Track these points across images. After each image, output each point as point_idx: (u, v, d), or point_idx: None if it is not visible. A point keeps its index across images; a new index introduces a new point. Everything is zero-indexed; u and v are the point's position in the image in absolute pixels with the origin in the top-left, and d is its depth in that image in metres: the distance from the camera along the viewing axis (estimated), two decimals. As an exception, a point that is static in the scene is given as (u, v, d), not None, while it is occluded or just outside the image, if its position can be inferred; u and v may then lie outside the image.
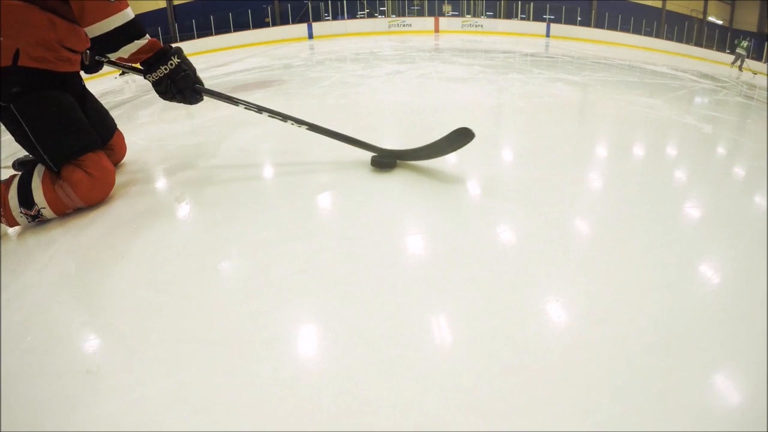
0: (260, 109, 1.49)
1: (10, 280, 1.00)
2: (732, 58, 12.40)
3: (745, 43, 12.11)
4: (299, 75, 4.29)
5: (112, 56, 1.35)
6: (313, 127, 1.50)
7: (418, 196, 1.31)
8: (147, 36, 1.34)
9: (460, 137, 1.37)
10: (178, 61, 1.38)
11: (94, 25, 1.26)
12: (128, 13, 1.30)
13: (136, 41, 1.32)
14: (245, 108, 1.49)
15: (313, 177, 1.50)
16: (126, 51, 1.33)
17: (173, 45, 1.42)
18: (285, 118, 1.49)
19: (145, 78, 1.42)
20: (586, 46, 10.29)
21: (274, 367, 0.70)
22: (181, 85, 1.39)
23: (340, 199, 1.33)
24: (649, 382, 0.64)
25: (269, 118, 1.52)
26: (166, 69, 1.37)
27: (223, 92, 1.47)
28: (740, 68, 11.67)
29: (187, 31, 14.79)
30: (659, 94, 3.38)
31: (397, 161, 1.51)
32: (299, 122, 1.50)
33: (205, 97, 1.47)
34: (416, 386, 0.65)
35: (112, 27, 1.27)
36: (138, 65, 1.42)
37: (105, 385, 0.69)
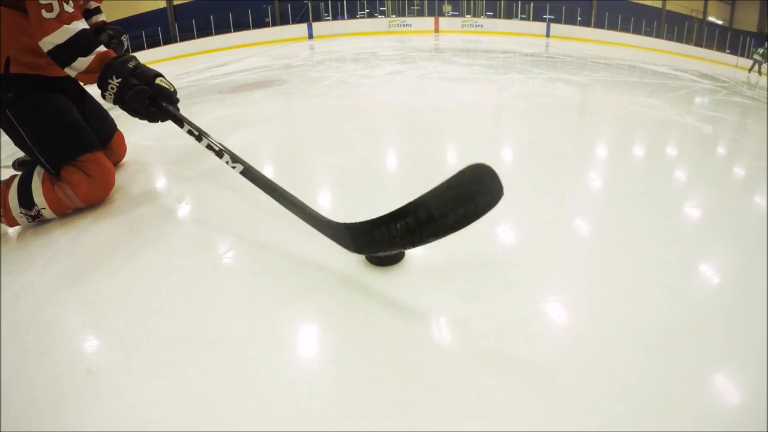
0: (200, 137, 1.19)
1: (10, 281, 1.00)
2: (735, 62, 12.41)
3: (761, 50, 12.12)
4: (299, 75, 4.28)
5: (70, 74, 1.22)
6: (246, 173, 1.11)
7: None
8: (96, 50, 1.19)
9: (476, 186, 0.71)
10: (118, 81, 1.17)
11: (39, 44, 1.17)
12: (69, 29, 1.17)
13: (80, 58, 1.18)
14: (187, 132, 1.21)
15: (313, 177, 1.50)
16: (73, 70, 1.19)
17: (125, 56, 1.23)
18: (221, 152, 1.15)
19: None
20: (586, 46, 10.29)
21: (274, 367, 0.70)
22: (132, 106, 1.18)
23: (339, 199, 1.33)
24: (649, 382, 0.64)
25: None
26: (110, 94, 1.19)
27: (196, 124, 1.22)
28: (759, 72, 11.66)
29: (187, 31, 14.79)
30: (659, 94, 3.38)
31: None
32: (234, 161, 1.13)
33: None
34: (416, 386, 0.65)
35: (53, 45, 1.17)
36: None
37: (105, 385, 0.69)
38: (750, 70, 11.78)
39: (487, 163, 0.68)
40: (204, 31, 14.44)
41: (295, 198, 1.02)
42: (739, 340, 0.73)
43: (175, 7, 16.15)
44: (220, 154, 1.15)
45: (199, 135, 1.19)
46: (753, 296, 0.84)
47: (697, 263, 0.98)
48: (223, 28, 14.41)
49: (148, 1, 15.47)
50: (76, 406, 0.66)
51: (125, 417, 0.63)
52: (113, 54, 1.23)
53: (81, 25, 1.21)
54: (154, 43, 13.74)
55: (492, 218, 1.16)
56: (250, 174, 1.10)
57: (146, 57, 10.23)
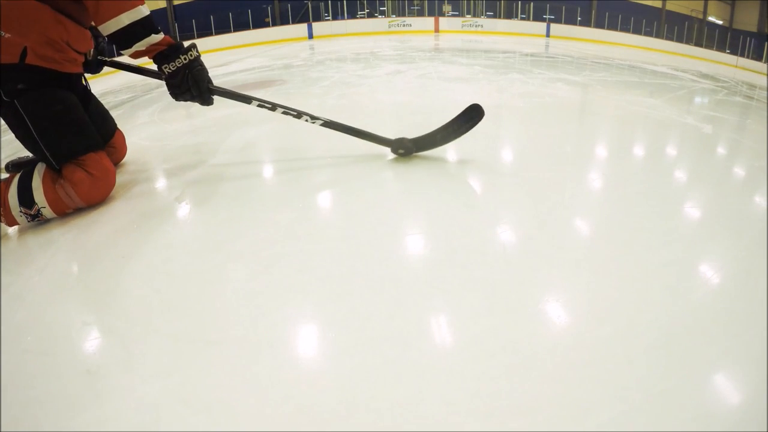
0: (274, 107, 1.46)
1: (10, 280, 1.00)
2: (735, 62, 12.36)
3: None
4: (299, 75, 4.28)
5: (127, 52, 1.34)
6: (328, 123, 1.49)
7: (419, 197, 1.31)
8: (162, 33, 1.35)
9: (471, 115, 1.43)
10: (197, 54, 1.38)
11: (109, 21, 1.26)
12: (143, 9, 1.30)
13: (153, 35, 1.32)
14: (258, 106, 1.46)
15: (313, 177, 1.50)
16: (143, 44, 1.32)
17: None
18: (299, 114, 1.47)
19: (159, 70, 1.38)
20: (586, 46, 10.28)
21: (274, 366, 0.70)
22: (198, 78, 1.36)
23: (340, 199, 1.33)
24: (649, 382, 0.64)
25: (282, 115, 1.48)
26: (185, 59, 1.35)
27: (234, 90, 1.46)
28: None
29: (187, 31, 14.77)
30: (659, 94, 3.38)
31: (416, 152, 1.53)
32: (313, 118, 1.47)
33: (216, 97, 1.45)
34: (416, 386, 0.65)
35: (128, 22, 1.27)
36: (151, 61, 1.39)
37: (105, 385, 0.69)
38: None
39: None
40: (204, 31, 14.42)
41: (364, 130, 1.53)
42: (739, 340, 0.73)
43: (175, 7, 16.13)
44: (298, 115, 1.47)
45: (272, 106, 1.46)
46: (753, 296, 0.84)
47: (697, 263, 0.98)
48: (223, 28, 14.39)
49: (148, 0, 15.46)
50: (76, 406, 0.66)
51: (125, 417, 0.63)
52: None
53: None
54: (154, 43, 13.69)
55: (492, 218, 1.17)
56: (330, 123, 1.49)
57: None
